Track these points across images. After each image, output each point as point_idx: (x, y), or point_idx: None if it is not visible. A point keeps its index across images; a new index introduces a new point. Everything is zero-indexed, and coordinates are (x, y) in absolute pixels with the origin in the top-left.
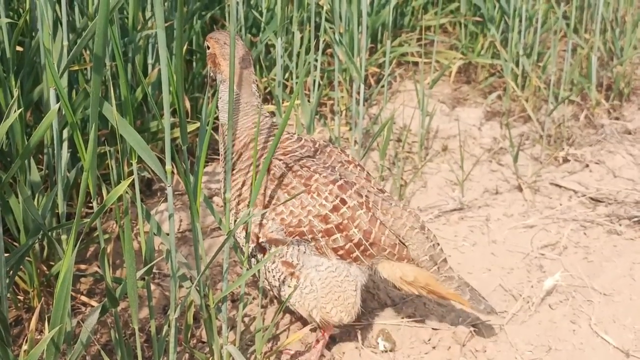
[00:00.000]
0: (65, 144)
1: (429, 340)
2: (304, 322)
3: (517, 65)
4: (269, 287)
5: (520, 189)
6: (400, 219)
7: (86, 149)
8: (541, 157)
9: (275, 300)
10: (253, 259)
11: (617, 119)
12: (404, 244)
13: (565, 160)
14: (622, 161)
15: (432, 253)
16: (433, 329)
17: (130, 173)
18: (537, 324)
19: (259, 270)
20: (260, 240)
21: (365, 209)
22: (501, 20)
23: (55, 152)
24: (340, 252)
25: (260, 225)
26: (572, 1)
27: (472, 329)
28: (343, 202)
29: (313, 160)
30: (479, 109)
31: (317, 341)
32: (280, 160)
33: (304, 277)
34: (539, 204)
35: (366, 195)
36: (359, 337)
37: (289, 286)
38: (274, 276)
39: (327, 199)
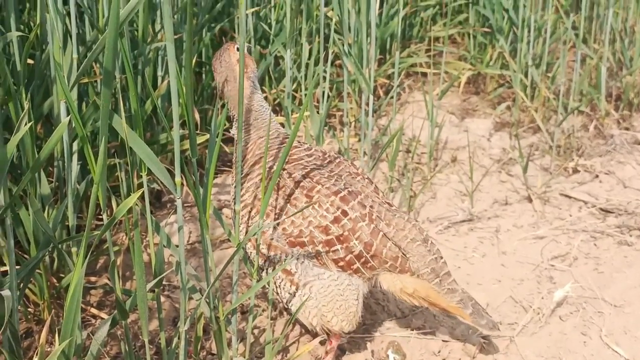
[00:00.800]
0: (75, 157)
1: (439, 352)
2: (314, 335)
3: (526, 75)
4: (277, 298)
5: (530, 199)
6: (402, 231)
7: (96, 161)
8: (551, 167)
9: (284, 312)
10: (262, 271)
11: (626, 129)
12: (405, 255)
13: (575, 171)
14: (632, 172)
15: (434, 266)
16: (443, 340)
17: (140, 185)
18: (547, 336)
19: (268, 282)
20: (262, 247)
21: (368, 220)
22: (510, 31)
23: (66, 164)
24: (341, 264)
25: (262, 232)
26: (581, 11)
27: (482, 341)
28: (344, 213)
29: (318, 170)
30: (488, 119)
31: (327, 353)
32: (284, 170)
33: (303, 284)
34: (549, 215)
35: (370, 206)
36: (369, 349)
37: (288, 293)
38: (275, 282)
39: (328, 210)
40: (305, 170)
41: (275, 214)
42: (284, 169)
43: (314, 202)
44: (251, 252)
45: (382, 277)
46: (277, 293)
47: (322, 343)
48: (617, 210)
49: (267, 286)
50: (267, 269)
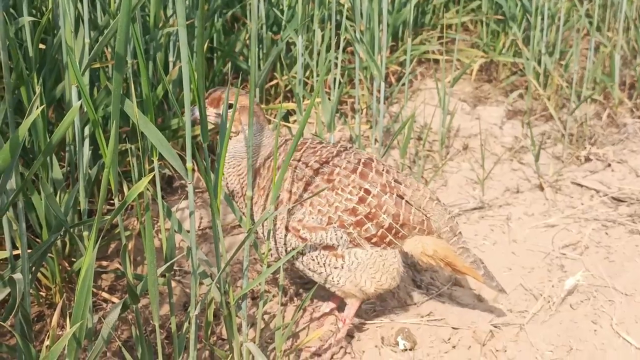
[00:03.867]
0: (87, 141)
1: (449, 339)
2: (324, 320)
3: (539, 63)
4: (310, 276)
5: (541, 188)
6: (419, 191)
7: (107, 145)
8: (563, 156)
9: (295, 298)
10: (296, 259)
11: None
12: (427, 216)
13: (587, 160)
14: None
15: (452, 224)
16: (453, 328)
17: (152, 170)
18: (558, 324)
19: (279, 269)
20: (301, 232)
21: (389, 189)
22: (523, 18)
23: (77, 149)
24: (374, 240)
25: (299, 220)
26: None
27: (492, 328)
28: (367, 192)
29: (332, 155)
30: (501, 107)
31: (344, 321)
32: (299, 161)
33: (348, 254)
34: (560, 203)
35: (386, 171)
36: (379, 335)
37: (334, 267)
38: (318, 263)
39: (351, 192)
40: (320, 158)
41: (300, 203)
42: (299, 160)
43: (336, 186)
44: (281, 238)
45: (405, 241)
46: (323, 274)
47: (332, 331)
48: (629, 199)
49: (278, 272)
50: (306, 253)
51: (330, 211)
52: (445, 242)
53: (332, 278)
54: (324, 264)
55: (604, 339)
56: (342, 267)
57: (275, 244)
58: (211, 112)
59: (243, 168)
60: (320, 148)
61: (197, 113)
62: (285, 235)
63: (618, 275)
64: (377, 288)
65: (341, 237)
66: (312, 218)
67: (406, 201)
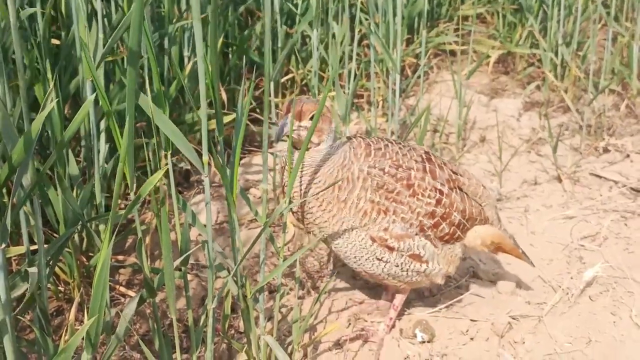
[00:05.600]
0: (103, 136)
1: (467, 331)
2: (340, 313)
3: (556, 54)
4: (379, 279)
5: (559, 179)
6: (471, 179)
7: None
8: (581, 147)
9: (312, 291)
10: (379, 262)
11: None
12: (481, 205)
13: (606, 151)
14: None
15: (495, 208)
16: (471, 320)
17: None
18: (576, 316)
19: (296, 261)
20: (389, 242)
21: (452, 184)
22: (540, 9)
23: (93, 143)
24: (446, 238)
25: (386, 230)
26: None
27: (510, 320)
28: (441, 193)
29: (396, 154)
30: (518, 99)
31: (396, 308)
32: (374, 168)
33: (432, 259)
34: (579, 195)
35: (443, 163)
36: (397, 327)
37: (417, 272)
38: (401, 269)
39: (430, 196)
40: (393, 161)
41: (383, 212)
42: (374, 167)
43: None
44: (364, 248)
45: (467, 234)
46: (403, 276)
47: (348, 323)
48: None
49: (295, 265)
50: (385, 259)
51: (413, 217)
52: (496, 228)
53: (412, 279)
54: (407, 269)
55: (623, 331)
56: (424, 272)
57: (355, 256)
58: (295, 126)
59: (320, 177)
60: (384, 148)
61: (287, 128)
62: (371, 245)
63: (637, 266)
64: (444, 277)
65: (425, 245)
66: (397, 226)
67: (466, 194)
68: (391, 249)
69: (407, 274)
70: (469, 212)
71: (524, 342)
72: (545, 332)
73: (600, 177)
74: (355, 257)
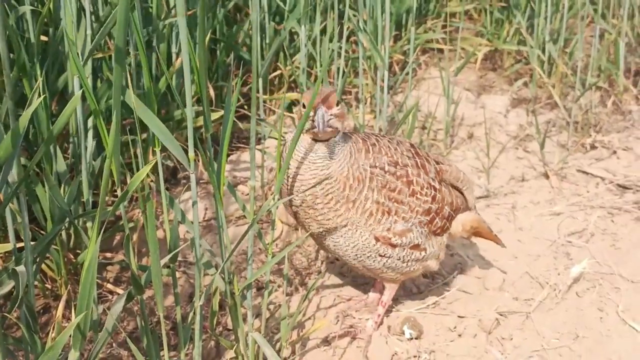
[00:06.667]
0: (90, 133)
1: (455, 327)
2: (328, 310)
3: (543, 51)
4: (379, 273)
5: (546, 176)
6: (451, 166)
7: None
8: (568, 144)
9: (300, 288)
10: (382, 258)
11: None
12: (463, 194)
13: (593, 147)
14: None
15: (473, 191)
16: (459, 316)
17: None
18: (564, 312)
19: (284, 258)
20: (393, 239)
21: (441, 177)
22: (527, 6)
23: (80, 140)
24: (438, 232)
25: (389, 229)
26: None
27: (498, 316)
28: (435, 189)
29: (389, 149)
30: (505, 96)
31: (384, 304)
32: (376, 167)
33: (428, 245)
34: (566, 191)
35: (427, 154)
36: (385, 324)
37: (416, 260)
38: (403, 261)
39: (426, 194)
40: (389, 158)
41: (387, 212)
42: (375, 166)
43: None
44: (367, 248)
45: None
46: (404, 266)
47: (336, 320)
48: (634, 187)
49: (283, 262)
50: (389, 254)
51: (412, 216)
52: (474, 212)
53: (410, 269)
54: (407, 260)
55: (610, 326)
56: (423, 257)
57: (357, 254)
58: (327, 115)
59: (332, 173)
60: (377, 143)
61: (327, 116)
62: (374, 245)
63: (624, 262)
64: (437, 263)
65: (421, 233)
66: (399, 224)
67: (450, 185)
68: (394, 245)
69: (407, 264)
70: (455, 203)
71: (511, 338)
72: (532, 328)
73: (587, 173)
74: (356, 255)
